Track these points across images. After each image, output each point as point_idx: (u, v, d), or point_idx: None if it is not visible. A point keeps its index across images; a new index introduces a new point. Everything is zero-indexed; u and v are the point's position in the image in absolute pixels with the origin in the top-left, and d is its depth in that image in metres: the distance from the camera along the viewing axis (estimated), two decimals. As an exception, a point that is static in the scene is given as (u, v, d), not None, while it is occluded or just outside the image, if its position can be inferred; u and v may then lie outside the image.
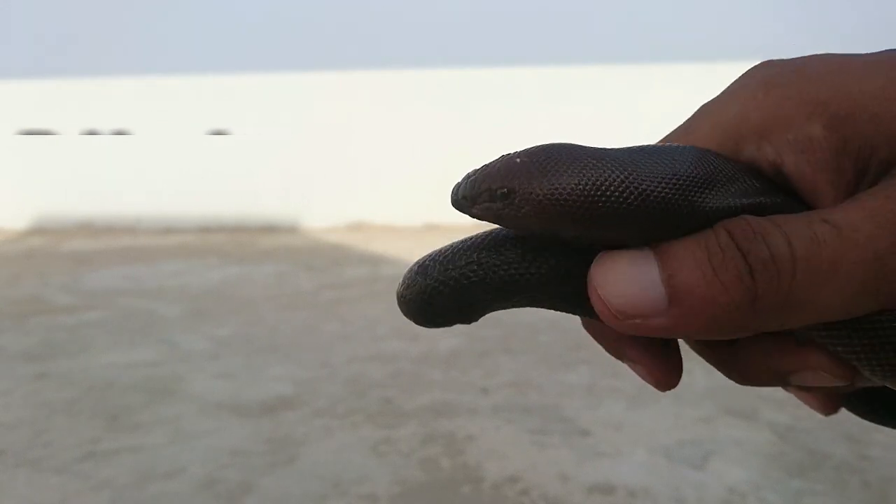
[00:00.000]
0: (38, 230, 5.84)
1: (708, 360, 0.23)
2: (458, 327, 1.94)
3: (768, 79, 0.21)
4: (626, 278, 0.19)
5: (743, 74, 0.23)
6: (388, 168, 5.75)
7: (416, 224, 5.71)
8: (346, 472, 1.52)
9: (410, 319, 0.22)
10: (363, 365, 2.23)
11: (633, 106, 5.52)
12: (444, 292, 0.21)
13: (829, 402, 0.24)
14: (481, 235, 0.21)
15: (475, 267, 0.20)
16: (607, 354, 0.24)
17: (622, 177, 0.19)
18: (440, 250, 0.21)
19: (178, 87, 5.90)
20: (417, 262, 0.22)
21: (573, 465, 1.54)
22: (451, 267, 0.21)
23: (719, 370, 0.23)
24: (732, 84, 0.23)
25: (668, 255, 0.19)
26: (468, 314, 0.21)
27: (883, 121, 0.19)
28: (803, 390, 0.24)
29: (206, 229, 5.76)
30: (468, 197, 0.20)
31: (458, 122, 5.68)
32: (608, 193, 0.19)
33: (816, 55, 0.21)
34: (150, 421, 1.83)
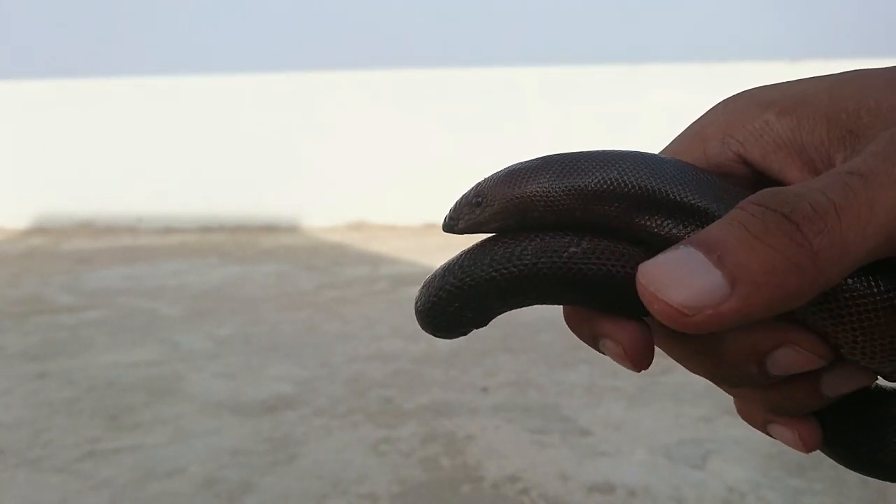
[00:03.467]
0: (38, 230, 5.84)
1: (683, 355, 0.24)
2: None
3: (726, 100, 0.25)
4: (680, 273, 0.19)
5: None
6: (388, 168, 5.75)
7: (416, 224, 5.71)
8: (346, 471, 1.52)
9: (428, 332, 0.23)
10: (363, 365, 2.23)
11: (633, 106, 5.52)
12: (445, 299, 0.22)
13: (809, 434, 0.24)
14: (470, 246, 0.24)
15: (467, 271, 0.22)
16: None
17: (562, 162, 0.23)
18: (442, 265, 0.23)
19: (178, 87, 5.90)
20: (426, 279, 0.24)
21: (573, 465, 1.54)
22: (447, 276, 0.23)
23: (692, 365, 0.24)
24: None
25: (706, 242, 0.19)
26: (477, 318, 0.23)
27: (829, 103, 0.22)
28: (784, 407, 0.24)
29: (206, 229, 5.77)
30: (454, 217, 0.24)
31: (458, 122, 5.68)
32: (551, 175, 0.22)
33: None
34: (151, 420, 1.83)
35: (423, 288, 0.23)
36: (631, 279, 0.21)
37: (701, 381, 1.95)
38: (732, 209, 0.19)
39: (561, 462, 1.55)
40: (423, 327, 0.23)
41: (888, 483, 0.25)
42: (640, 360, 0.23)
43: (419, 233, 5.41)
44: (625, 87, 5.57)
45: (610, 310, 0.23)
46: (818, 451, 0.25)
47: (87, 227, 5.87)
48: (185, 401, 1.96)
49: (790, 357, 0.22)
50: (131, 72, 6.16)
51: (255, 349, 2.43)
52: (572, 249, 0.22)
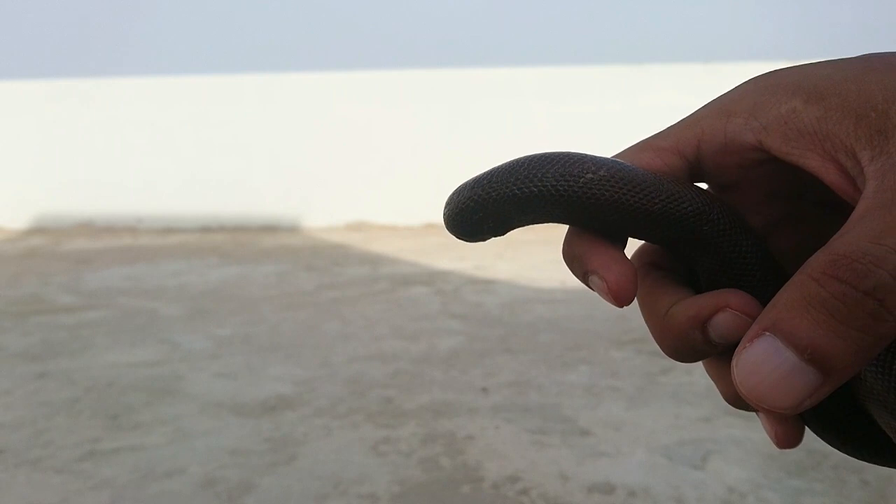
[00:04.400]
0: (38, 230, 5.84)
1: (645, 318, 0.26)
2: (457, 326, 1.94)
3: (756, 78, 0.24)
4: (777, 376, 0.19)
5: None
6: (388, 168, 5.75)
7: (416, 224, 5.71)
8: (346, 471, 1.52)
9: (452, 234, 0.26)
10: (363, 365, 2.23)
11: (633, 106, 5.53)
12: (471, 208, 0.25)
13: (784, 431, 0.25)
14: (501, 163, 0.25)
15: (494, 186, 0.24)
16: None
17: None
18: (474, 176, 0.25)
19: (179, 87, 5.91)
20: (458, 186, 0.26)
21: (573, 465, 1.54)
22: (476, 188, 0.25)
23: (649, 326, 0.26)
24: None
25: (794, 337, 0.19)
26: (496, 228, 0.25)
27: (858, 96, 0.21)
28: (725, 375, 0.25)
29: (206, 229, 5.77)
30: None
31: (458, 122, 5.68)
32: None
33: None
34: (151, 420, 1.83)
35: (453, 194, 0.25)
36: (641, 209, 0.23)
37: (701, 382, 1.95)
38: (804, 276, 0.19)
39: (561, 462, 1.55)
40: (448, 230, 0.26)
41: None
42: (622, 298, 0.24)
43: (419, 233, 5.41)
44: (625, 87, 5.57)
45: (619, 234, 0.25)
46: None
47: (87, 227, 5.87)
48: (185, 401, 1.96)
49: (728, 321, 0.23)
50: (131, 72, 6.17)
51: (255, 349, 2.43)
52: (589, 176, 0.23)
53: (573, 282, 3.45)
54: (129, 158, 5.90)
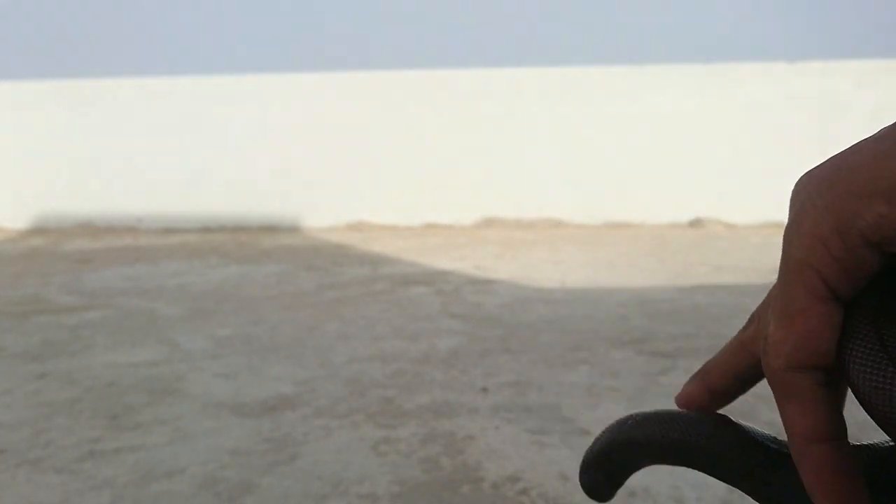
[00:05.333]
0: (38, 230, 5.84)
1: None
2: (457, 326, 1.94)
3: (811, 195, 0.22)
4: None
5: (794, 199, 0.23)
6: (388, 168, 5.75)
7: (416, 224, 5.71)
8: (347, 471, 1.52)
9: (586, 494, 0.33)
10: (363, 365, 2.23)
11: (633, 106, 5.53)
12: (583, 469, 0.32)
13: None
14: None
15: (589, 451, 0.32)
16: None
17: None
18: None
19: (178, 87, 5.91)
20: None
21: (573, 465, 1.54)
22: (585, 455, 0.32)
23: None
24: (794, 207, 0.23)
25: None
26: (607, 478, 0.32)
27: None
28: None
29: (206, 229, 5.77)
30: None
31: (458, 122, 5.68)
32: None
33: (841, 152, 0.22)
34: (151, 420, 1.83)
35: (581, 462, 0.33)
36: (658, 442, 0.29)
37: (701, 382, 1.95)
38: None
39: (561, 462, 1.55)
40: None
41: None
42: None
43: (419, 233, 5.41)
44: (625, 88, 5.57)
45: (666, 463, 0.30)
46: None
47: (87, 227, 5.88)
48: (186, 401, 1.96)
49: None
50: (131, 72, 6.17)
51: (256, 349, 2.43)
52: (630, 422, 0.30)
53: (573, 282, 3.45)
54: (129, 158, 5.91)
